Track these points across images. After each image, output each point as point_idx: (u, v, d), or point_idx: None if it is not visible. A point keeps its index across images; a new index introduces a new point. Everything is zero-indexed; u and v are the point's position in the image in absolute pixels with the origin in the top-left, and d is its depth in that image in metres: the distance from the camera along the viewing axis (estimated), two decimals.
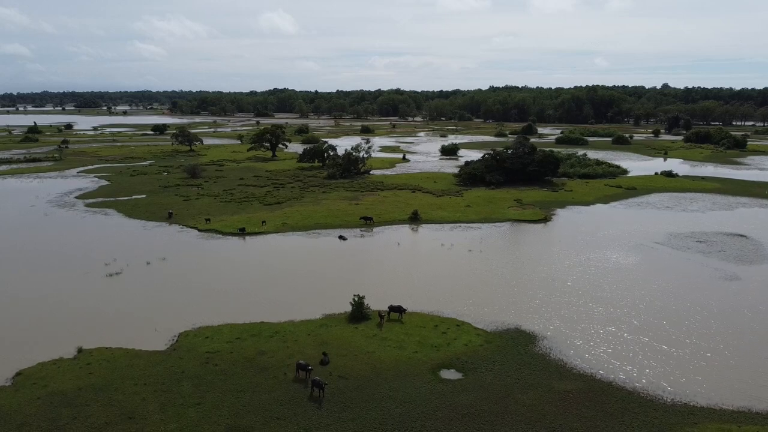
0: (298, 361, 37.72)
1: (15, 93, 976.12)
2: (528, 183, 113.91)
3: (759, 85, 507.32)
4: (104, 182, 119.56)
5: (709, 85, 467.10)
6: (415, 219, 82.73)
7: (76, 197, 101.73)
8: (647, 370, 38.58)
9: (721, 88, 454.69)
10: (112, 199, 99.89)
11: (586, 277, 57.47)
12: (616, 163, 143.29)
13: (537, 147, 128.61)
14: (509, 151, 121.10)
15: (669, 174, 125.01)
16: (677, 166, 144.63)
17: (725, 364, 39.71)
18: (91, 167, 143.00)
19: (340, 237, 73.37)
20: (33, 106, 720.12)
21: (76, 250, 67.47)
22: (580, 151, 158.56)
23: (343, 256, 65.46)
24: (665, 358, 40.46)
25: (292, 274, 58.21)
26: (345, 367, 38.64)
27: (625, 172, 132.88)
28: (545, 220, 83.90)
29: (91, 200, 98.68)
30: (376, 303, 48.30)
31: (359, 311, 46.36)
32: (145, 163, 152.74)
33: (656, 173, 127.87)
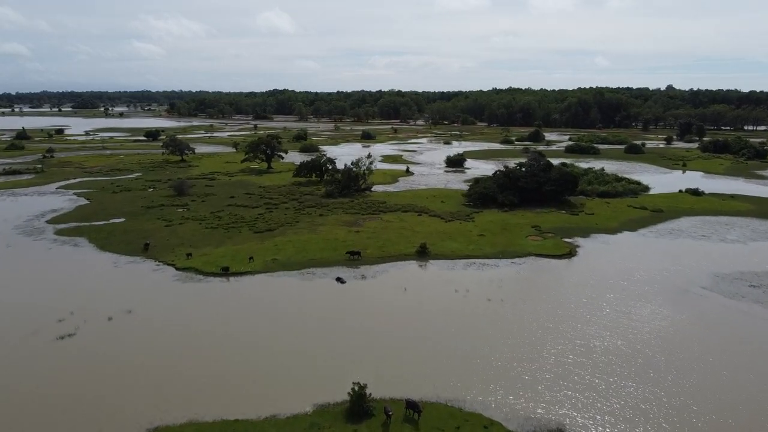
0: None
1: (14, 93, 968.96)
2: (544, 204, 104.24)
3: (765, 86, 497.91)
4: (83, 201, 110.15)
5: (712, 84, 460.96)
6: (423, 253, 73.08)
7: (48, 221, 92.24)
8: None
9: (728, 90, 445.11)
10: (86, 223, 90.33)
11: (630, 346, 47.84)
12: (636, 178, 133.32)
13: (548, 158, 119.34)
14: (522, 169, 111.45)
15: (695, 192, 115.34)
16: (700, 180, 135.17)
17: None
18: (72, 181, 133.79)
19: (338, 279, 63.74)
20: (30, 107, 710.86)
21: (29, 298, 58.04)
22: (595, 164, 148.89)
23: (340, 309, 55.60)
24: None
25: (278, 344, 48.02)
26: None
27: (646, 189, 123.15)
28: (569, 254, 74.25)
29: (63, 225, 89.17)
30: (380, 385, 38.86)
31: (360, 406, 36.77)
32: (131, 176, 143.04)
33: (680, 191, 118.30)
